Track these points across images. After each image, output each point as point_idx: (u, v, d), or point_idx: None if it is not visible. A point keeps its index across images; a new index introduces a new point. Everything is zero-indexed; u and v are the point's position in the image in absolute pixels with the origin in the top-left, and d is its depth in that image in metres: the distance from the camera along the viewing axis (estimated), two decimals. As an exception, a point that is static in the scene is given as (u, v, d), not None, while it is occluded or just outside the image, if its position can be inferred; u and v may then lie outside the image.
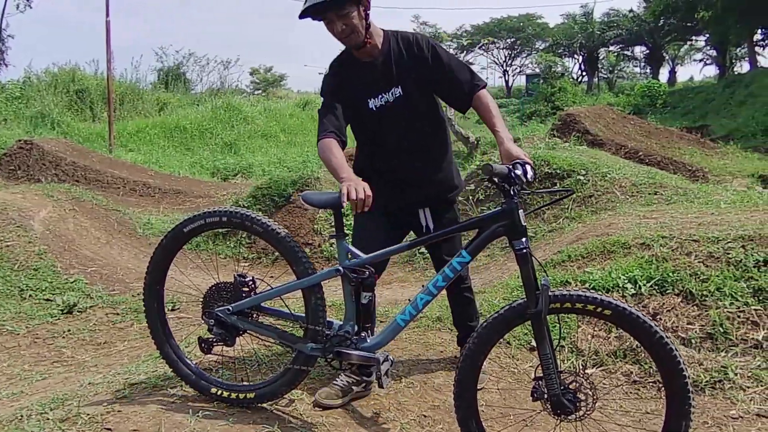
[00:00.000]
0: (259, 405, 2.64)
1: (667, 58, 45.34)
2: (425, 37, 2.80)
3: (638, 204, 5.83)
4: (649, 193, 6.04)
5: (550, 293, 2.17)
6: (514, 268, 5.08)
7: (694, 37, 40.30)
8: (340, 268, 2.46)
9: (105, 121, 18.22)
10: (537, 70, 43.89)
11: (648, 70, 45.47)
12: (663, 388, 2.21)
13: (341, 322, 2.53)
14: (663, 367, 2.16)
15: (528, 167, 2.31)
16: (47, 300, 5.19)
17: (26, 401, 3.40)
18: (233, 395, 2.65)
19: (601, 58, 46.00)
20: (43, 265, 5.55)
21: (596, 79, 45.96)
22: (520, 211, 2.25)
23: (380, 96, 2.70)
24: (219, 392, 2.67)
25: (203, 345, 2.66)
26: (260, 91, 44.63)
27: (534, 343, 2.45)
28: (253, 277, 2.66)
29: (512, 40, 52.32)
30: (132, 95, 20.12)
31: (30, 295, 5.22)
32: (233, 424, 2.49)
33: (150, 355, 3.62)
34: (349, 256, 2.51)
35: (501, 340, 2.55)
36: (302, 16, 2.56)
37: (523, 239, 2.24)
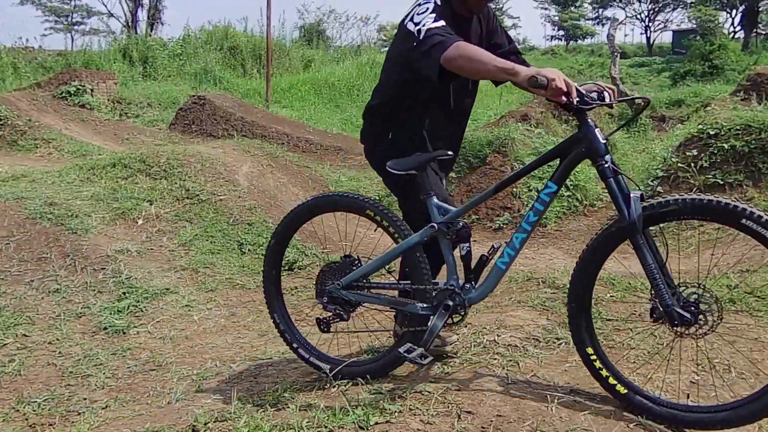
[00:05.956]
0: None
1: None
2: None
3: None
4: None
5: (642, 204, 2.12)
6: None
7: None
8: (435, 224, 2.46)
9: (256, 78, 18.71)
10: (684, 26, 40.56)
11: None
12: None
13: (445, 280, 2.51)
14: None
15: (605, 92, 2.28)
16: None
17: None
18: None
19: (760, 11, 41.66)
20: (256, 220, 5.63)
21: (754, 35, 41.77)
22: (597, 130, 2.20)
23: None
24: None
25: (321, 324, 2.74)
26: (387, 48, 44.33)
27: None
28: (358, 257, 2.73)
29: (657, -8, 48.58)
30: (280, 52, 20.46)
31: (249, 250, 5.31)
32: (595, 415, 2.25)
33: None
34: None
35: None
36: None
37: (607, 156, 2.18)
